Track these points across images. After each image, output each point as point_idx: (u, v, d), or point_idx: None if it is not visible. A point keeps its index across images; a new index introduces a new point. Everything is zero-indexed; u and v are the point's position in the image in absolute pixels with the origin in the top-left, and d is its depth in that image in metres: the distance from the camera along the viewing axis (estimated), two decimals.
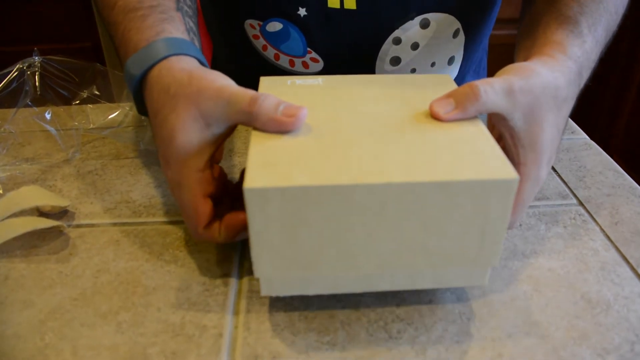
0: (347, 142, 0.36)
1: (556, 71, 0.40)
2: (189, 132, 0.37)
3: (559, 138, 0.42)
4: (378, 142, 0.36)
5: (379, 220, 0.33)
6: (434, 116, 0.38)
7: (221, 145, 0.41)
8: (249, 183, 0.32)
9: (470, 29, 0.65)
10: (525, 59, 0.44)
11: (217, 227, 0.39)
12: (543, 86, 0.38)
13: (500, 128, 0.40)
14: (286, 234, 0.34)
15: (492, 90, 0.37)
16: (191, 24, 0.47)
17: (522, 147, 0.39)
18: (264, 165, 0.34)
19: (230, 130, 0.39)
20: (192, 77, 0.38)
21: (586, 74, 0.45)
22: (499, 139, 0.43)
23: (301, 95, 0.42)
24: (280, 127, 0.36)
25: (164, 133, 0.38)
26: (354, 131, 0.37)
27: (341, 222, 0.33)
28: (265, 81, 0.45)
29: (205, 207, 0.38)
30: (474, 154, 0.34)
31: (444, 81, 0.45)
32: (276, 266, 0.35)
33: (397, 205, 0.33)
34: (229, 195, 0.42)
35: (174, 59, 0.40)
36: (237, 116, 0.37)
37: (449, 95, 0.38)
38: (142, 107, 0.43)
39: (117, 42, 0.45)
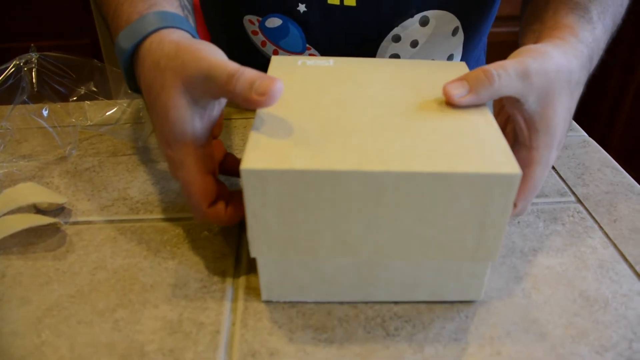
0: (351, 128, 0.36)
1: (569, 54, 0.40)
2: (181, 109, 0.36)
3: (570, 122, 0.41)
4: (382, 129, 0.35)
5: (376, 208, 0.33)
6: (446, 98, 0.37)
7: (220, 118, 0.40)
8: (246, 164, 0.32)
9: (470, 27, 0.64)
10: (535, 41, 0.44)
11: (222, 205, 0.38)
12: (557, 69, 0.38)
13: (512, 111, 0.39)
14: (282, 216, 0.33)
15: (505, 74, 0.36)
16: (185, 1, 0.46)
17: (535, 131, 0.39)
18: (263, 146, 0.33)
19: (222, 104, 0.38)
20: (179, 49, 0.37)
21: (595, 61, 0.44)
22: (507, 122, 0.42)
23: (310, 76, 0.42)
24: (255, 106, 0.35)
25: (158, 111, 0.37)
26: (359, 116, 0.37)
27: (338, 207, 0.33)
28: (275, 60, 0.45)
29: (207, 185, 0.37)
30: (478, 146, 0.34)
31: (458, 68, 0.44)
32: (272, 247, 0.35)
33: (394, 194, 0.32)
34: (230, 173, 0.42)
35: (165, 32, 0.39)
36: (217, 92, 0.36)
37: (462, 78, 0.37)
38: (133, 83, 0.42)
39: (109, 18, 0.44)
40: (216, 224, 0.40)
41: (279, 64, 0.44)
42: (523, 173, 0.40)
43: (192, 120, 0.37)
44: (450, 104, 0.37)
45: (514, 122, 0.40)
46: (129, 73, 0.42)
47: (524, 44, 0.47)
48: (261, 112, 0.37)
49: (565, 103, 0.39)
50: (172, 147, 0.38)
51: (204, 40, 0.39)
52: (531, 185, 0.39)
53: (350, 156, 0.33)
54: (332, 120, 0.36)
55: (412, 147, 0.34)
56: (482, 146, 0.34)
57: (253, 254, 0.36)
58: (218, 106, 0.39)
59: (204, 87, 0.36)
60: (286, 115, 0.37)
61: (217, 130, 0.41)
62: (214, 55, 0.36)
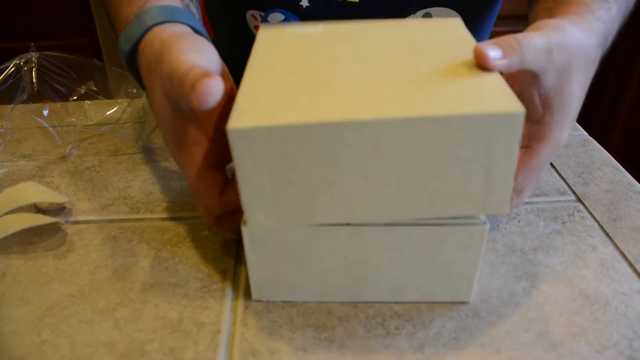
0: (342, 82, 0.34)
1: (587, 31, 0.39)
2: (167, 113, 0.36)
3: (581, 105, 0.40)
4: (375, 81, 0.33)
5: (373, 162, 0.31)
6: (479, 60, 0.34)
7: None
8: (232, 124, 0.30)
9: (472, 25, 0.64)
10: (549, 17, 0.42)
11: (232, 190, 0.38)
12: (577, 46, 0.37)
13: (529, 87, 0.38)
14: (276, 178, 0.32)
15: (534, 46, 0.35)
16: None
17: (549, 108, 0.37)
18: (250, 106, 0.32)
19: None
20: (163, 50, 0.36)
21: (609, 41, 0.43)
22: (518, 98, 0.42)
23: (299, 41, 0.40)
24: (200, 110, 0.32)
25: (157, 113, 0.37)
26: (350, 71, 0.35)
27: (333, 164, 0.31)
28: (263, 30, 0.42)
29: (212, 178, 0.37)
30: (477, 89, 0.32)
31: (453, 25, 0.42)
32: (267, 214, 0.33)
33: (391, 144, 0.30)
34: None
35: (158, 29, 0.38)
36: (180, 97, 0.34)
37: (494, 43, 0.35)
38: (142, 81, 0.42)
39: (112, 20, 0.44)
40: (228, 227, 0.39)
41: (267, 33, 0.42)
42: (531, 148, 0.38)
43: (180, 123, 0.37)
44: (482, 66, 0.34)
45: (528, 98, 0.38)
46: (134, 72, 0.42)
47: (533, 20, 0.46)
48: (248, 75, 0.36)
49: (581, 81, 0.38)
50: (171, 147, 0.38)
51: (196, 36, 0.38)
52: (536, 162, 0.38)
53: (341, 107, 0.31)
54: (322, 78, 0.34)
55: (408, 94, 0.31)
56: (481, 89, 0.32)
57: (250, 224, 0.34)
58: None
59: (174, 90, 0.35)
60: (274, 77, 0.35)
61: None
62: (185, 55, 0.35)
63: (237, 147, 0.31)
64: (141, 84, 0.43)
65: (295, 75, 0.35)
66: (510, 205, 0.41)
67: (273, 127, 0.30)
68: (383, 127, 0.30)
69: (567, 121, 0.38)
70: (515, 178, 0.38)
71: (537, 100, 0.38)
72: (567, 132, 0.39)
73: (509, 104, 0.30)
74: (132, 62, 0.41)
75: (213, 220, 0.40)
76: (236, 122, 0.30)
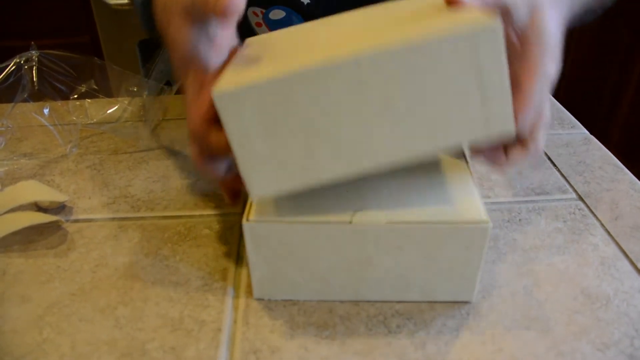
0: (324, 44, 0.34)
1: None
2: (185, 34, 0.36)
3: (560, 39, 0.41)
4: (355, 35, 0.34)
5: (363, 104, 0.31)
6: (452, 2, 0.34)
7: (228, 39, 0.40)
8: (217, 88, 0.31)
9: None
10: None
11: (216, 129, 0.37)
12: None
13: (504, 26, 0.37)
14: (269, 138, 0.32)
15: None
16: None
17: (527, 42, 0.38)
18: (236, 74, 0.32)
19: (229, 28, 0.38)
20: None
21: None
22: None
23: (285, 33, 0.41)
24: (223, 22, 0.34)
25: (169, 40, 0.38)
26: (331, 37, 0.36)
27: (323, 112, 0.31)
28: (251, 39, 0.43)
29: (213, 103, 0.36)
30: (451, 18, 0.32)
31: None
32: (268, 178, 0.33)
33: (376, 81, 0.30)
34: None
35: None
36: (203, 15, 0.35)
37: None
38: (152, 29, 0.43)
39: None
40: (215, 173, 0.38)
41: (255, 37, 0.43)
42: (519, 87, 0.38)
43: (198, 44, 0.37)
44: (456, 4, 0.34)
45: (505, 38, 0.39)
46: (147, 21, 0.42)
47: None
48: (237, 56, 0.37)
49: (554, 17, 0.39)
50: (185, 73, 0.37)
51: None
52: (529, 97, 0.37)
53: (322, 57, 0.31)
54: (304, 45, 0.35)
55: (385, 36, 0.32)
56: (456, 17, 0.32)
57: (251, 192, 0.33)
58: (223, 31, 0.38)
59: (195, 11, 0.36)
60: (261, 53, 0.36)
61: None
62: None
63: (225, 111, 0.31)
64: (152, 34, 0.43)
65: (280, 49, 0.36)
66: (527, 152, 0.40)
67: (257, 84, 0.30)
68: (365, 64, 0.30)
69: (547, 52, 0.38)
70: (516, 122, 0.38)
71: (514, 38, 0.38)
72: (551, 65, 0.39)
73: (484, 18, 0.30)
74: (146, 13, 0.42)
75: (202, 157, 0.38)
76: (221, 87, 0.31)
